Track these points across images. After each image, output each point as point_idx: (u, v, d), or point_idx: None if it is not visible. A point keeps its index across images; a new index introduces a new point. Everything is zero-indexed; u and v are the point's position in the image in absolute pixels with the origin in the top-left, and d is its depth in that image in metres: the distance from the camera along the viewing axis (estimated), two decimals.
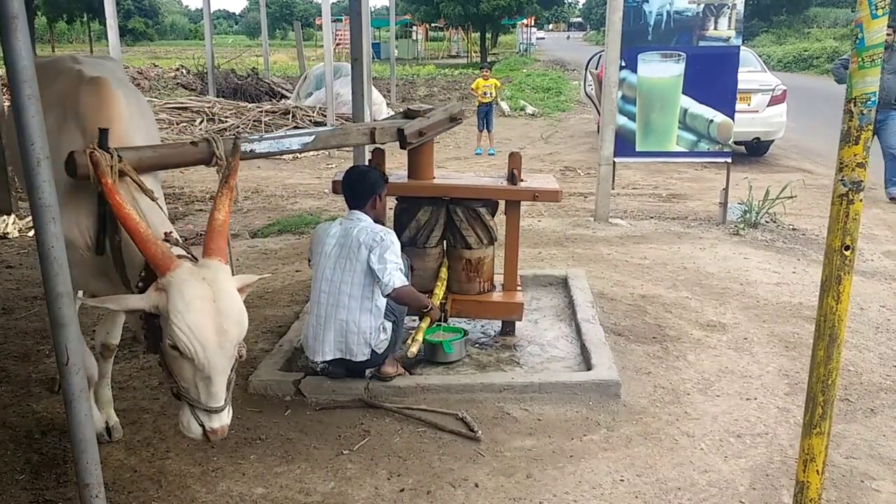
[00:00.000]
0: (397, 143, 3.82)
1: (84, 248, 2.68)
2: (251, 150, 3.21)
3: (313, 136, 3.47)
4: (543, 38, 64.36)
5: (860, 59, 2.12)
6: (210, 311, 2.25)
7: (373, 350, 3.55)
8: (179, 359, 2.29)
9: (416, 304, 3.71)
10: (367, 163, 4.56)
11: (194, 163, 3.01)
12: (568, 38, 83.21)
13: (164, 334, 2.29)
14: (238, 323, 2.33)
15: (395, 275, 3.48)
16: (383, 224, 3.81)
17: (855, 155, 2.16)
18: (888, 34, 7.53)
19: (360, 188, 3.72)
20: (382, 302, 3.55)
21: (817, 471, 2.34)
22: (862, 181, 2.17)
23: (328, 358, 3.57)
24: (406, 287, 3.54)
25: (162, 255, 2.30)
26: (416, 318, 3.98)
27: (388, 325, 3.61)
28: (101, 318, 3.49)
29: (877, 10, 2.09)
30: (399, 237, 4.13)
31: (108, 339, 3.32)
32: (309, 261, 3.86)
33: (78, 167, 2.50)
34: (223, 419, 2.35)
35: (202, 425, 2.33)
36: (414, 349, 3.70)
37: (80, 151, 2.51)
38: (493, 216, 4.23)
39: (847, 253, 2.21)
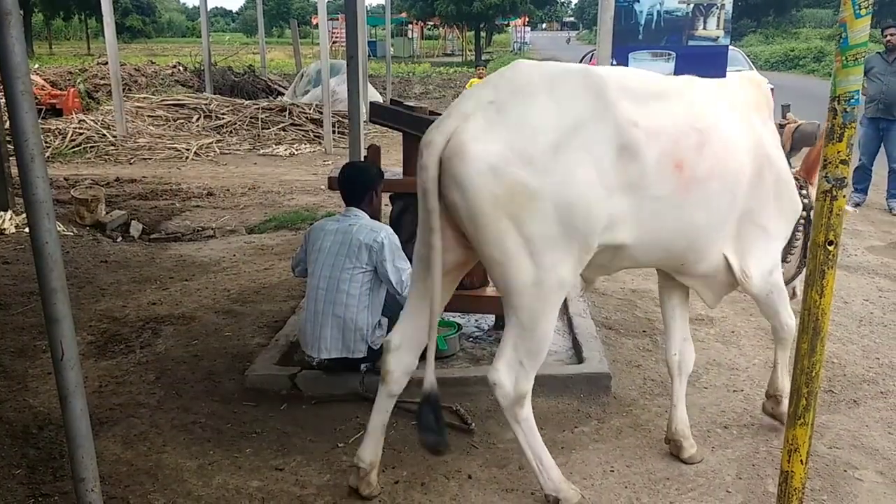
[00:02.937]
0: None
1: None
2: None
3: None
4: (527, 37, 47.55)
5: (844, 58, 2.14)
6: None
7: (369, 347, 3.58)
8: None
9: None
10: (362, 159, 4.59)
11: None
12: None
13: None
14: None
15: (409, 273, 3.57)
16: (378, 219, 3.84)
17: (839, 152, 2.18)
18: (892, 35, 7.51)
19: (357, 184, 3.72)
20: (381, 300, 3.60)
21: (801, 460, 2.37)
22: (845, 178, 2.21)
23: (327, 356, 3.59)
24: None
25: None
26: None
27: (384, 321, 3.64)
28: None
29: (860, 9, 2.11)
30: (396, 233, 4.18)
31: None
32: (294, 268, 3.89)
33: None
34: None
35: None
36: None
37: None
38: None
39: (831, 248, 2.23)
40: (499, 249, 2.40)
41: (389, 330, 3.63)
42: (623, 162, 2.48)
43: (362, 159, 4.62)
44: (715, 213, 2.74)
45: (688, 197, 2.63)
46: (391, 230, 3.64)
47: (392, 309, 3.68)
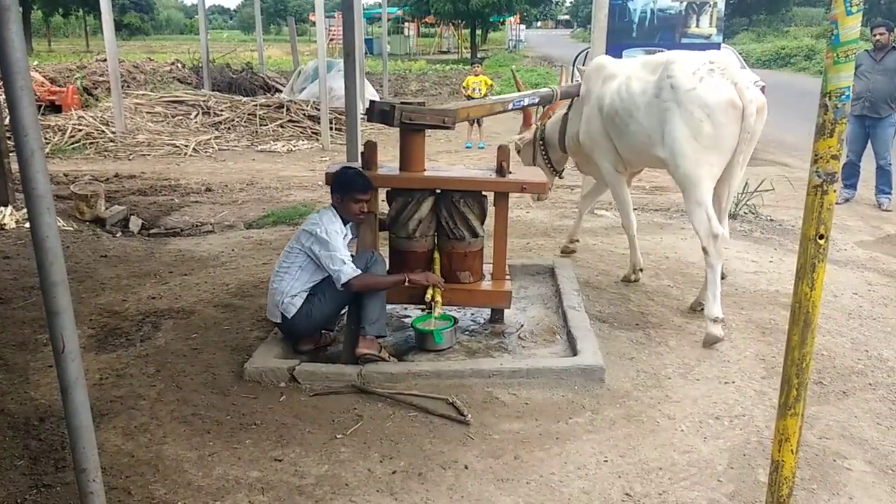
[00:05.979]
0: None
1: None
2: None
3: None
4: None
5: (835, 55, 2.17)
6: None
7: (282, 314, 3.84)
8: None
9: (381, 286, 3.91)
10: (359, 156, 4.62)
11: None
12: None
13: None
14: None
15: (343, 269, 3.75)
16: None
17: (829, 147, 2.20)
18: (881, 34, 7.55)
19: (333, 185, 4.03)
20: (300, 274, 3.86)
21: (791, 450, 2.40)
22: (836, 172, 2.23)
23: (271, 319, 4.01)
24: (358, 277, 3.76)
25: None
26: (409, 306, 4.09)
27: (304, 294, 3.86)
28: None
29: (851, 6, 2.14)
30: (391, 228, 4.23)
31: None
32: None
33: None
34: None
35: None
36: (437, 311, 4.00)
37: None
38: (482, 208, 4.29)
39: (821, 242, 2.26)
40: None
41: (307, 303, 3.86)
42: None
43: (359, 156, 4.66)
44: None
45: None
46: (327, 217, 3.95)
47: (321, 289, 3.88)
